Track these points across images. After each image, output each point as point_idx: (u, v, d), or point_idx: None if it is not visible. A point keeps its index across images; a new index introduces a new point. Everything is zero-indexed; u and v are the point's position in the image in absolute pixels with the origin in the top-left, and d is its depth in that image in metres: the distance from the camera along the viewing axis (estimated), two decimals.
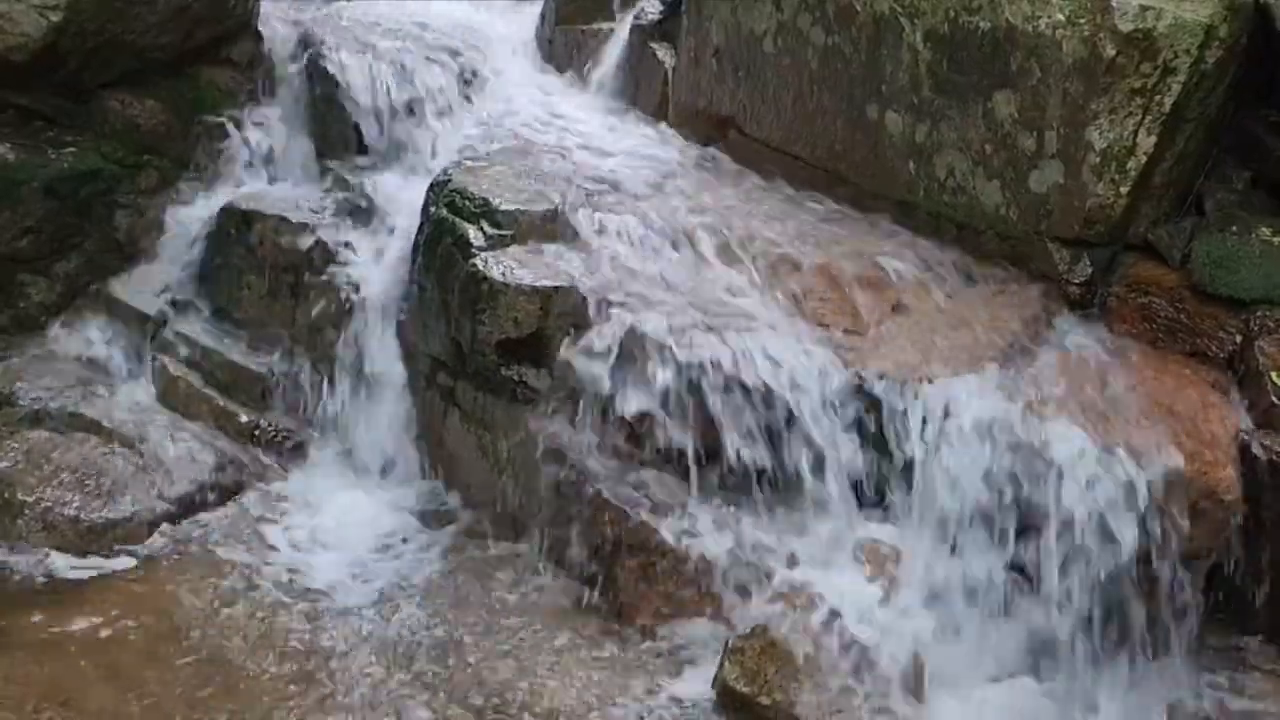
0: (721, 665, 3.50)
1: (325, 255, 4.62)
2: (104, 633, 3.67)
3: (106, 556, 3.99)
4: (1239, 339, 3.74)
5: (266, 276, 4.71)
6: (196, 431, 4.46)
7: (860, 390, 3.69)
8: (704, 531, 3.73)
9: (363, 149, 4.97)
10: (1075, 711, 3.48)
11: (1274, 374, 3.60)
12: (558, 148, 4.75)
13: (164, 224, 4.99)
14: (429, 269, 4.22)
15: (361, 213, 4.72)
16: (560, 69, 5.57)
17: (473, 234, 4.13)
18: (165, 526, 4.11)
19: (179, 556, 4.02)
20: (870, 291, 4.00)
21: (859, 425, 3.69)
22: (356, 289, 4.51)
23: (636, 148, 4.83)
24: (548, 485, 3.93)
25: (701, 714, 3.48)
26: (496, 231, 4.14)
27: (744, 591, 3.65)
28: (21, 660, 3.53)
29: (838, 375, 3.72)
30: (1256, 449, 3.51)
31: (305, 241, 4.66)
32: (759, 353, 3.76)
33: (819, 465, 3.70)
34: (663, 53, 5.13)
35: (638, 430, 3.85)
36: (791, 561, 3.66)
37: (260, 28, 5.28)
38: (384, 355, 4.44)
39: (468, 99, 5.16)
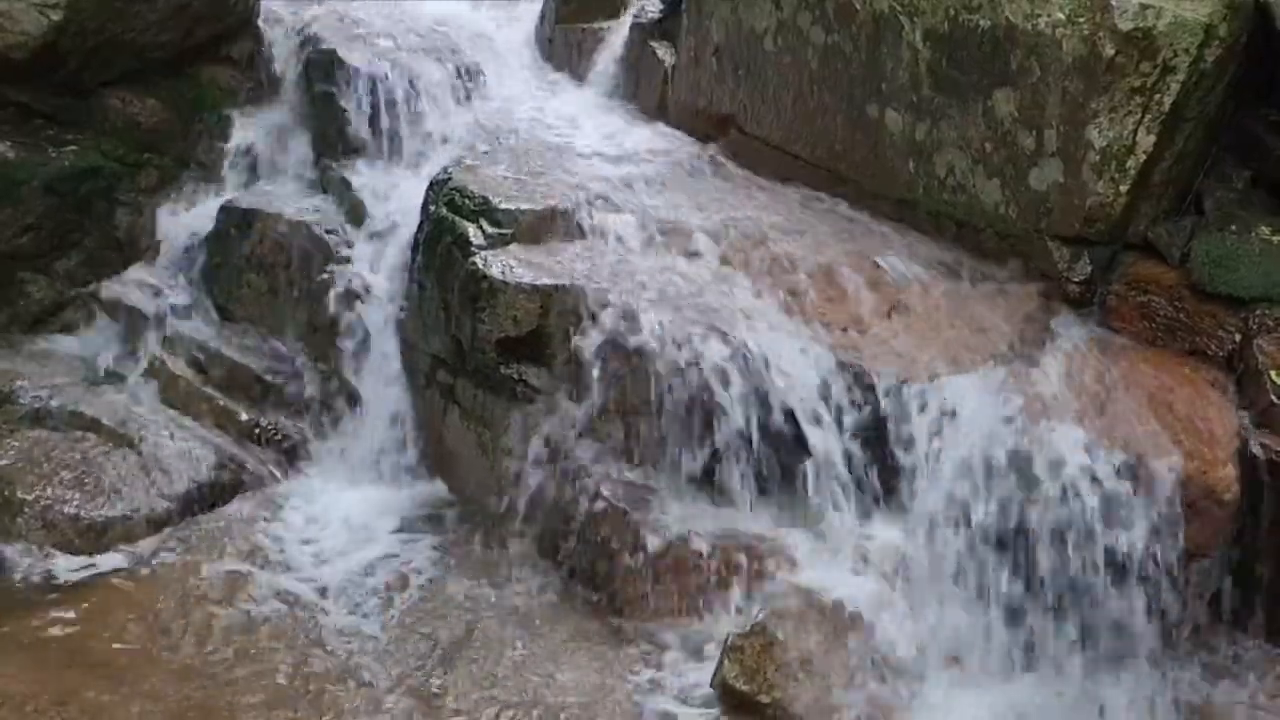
0: (721, 663, 3.50)
1: (325, 253, 4.62)
2: (103, 631, 3.67)
3: (105, 555, 3.99)
4: (1238, 338, 3.74)
5: (266, 275, 4.72)
6: (196, 430, 4.46)
7: (860, 389, 3.69)
8: (703, 530, 3.74)
9: (362, 147, 4.96)
10: (1075, 710, 3.48)
11: (1273, 373, 3.60)
12: (557, 146, 4.75)
13: (164, 222, 4.99)
14: (429, 267, 4.22)
15: (361, 211, 4.72)
16: (560, 67, 5.57)
17: (472, 232, 4.13)
18: (164, 525, 4.11)
19: (178, 555, 4.01)
20: (870, 290, 4.00)
21: (858, 424, 3.69)
22: (356, 287, 4.51)
23: (636, 146, 4.83)
24: (547, 484, 3.93)
25: (701, 712, 3.48)
26: (496, 230, 4.15)
27: (744, 590, 3.65)
28: (19, 659, 3.53)
29: (837, 373, 3.72)
30: (1255, 448, 3.51)
31: (305, 240, 4.67)
32: (758, 351, 3.76)
33: (819, 464, 3.70)
34: (663, 51, 5.13)
35: (637, 428, 3.85)
36: (791, 560, 3.66)
37: (260, 26, 5.27)
38: (384, 353, 4.44)
39: (467, 97, 5.16)
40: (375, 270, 4.56)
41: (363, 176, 4.85)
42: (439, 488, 4.30)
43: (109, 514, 4.09)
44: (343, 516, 4.23)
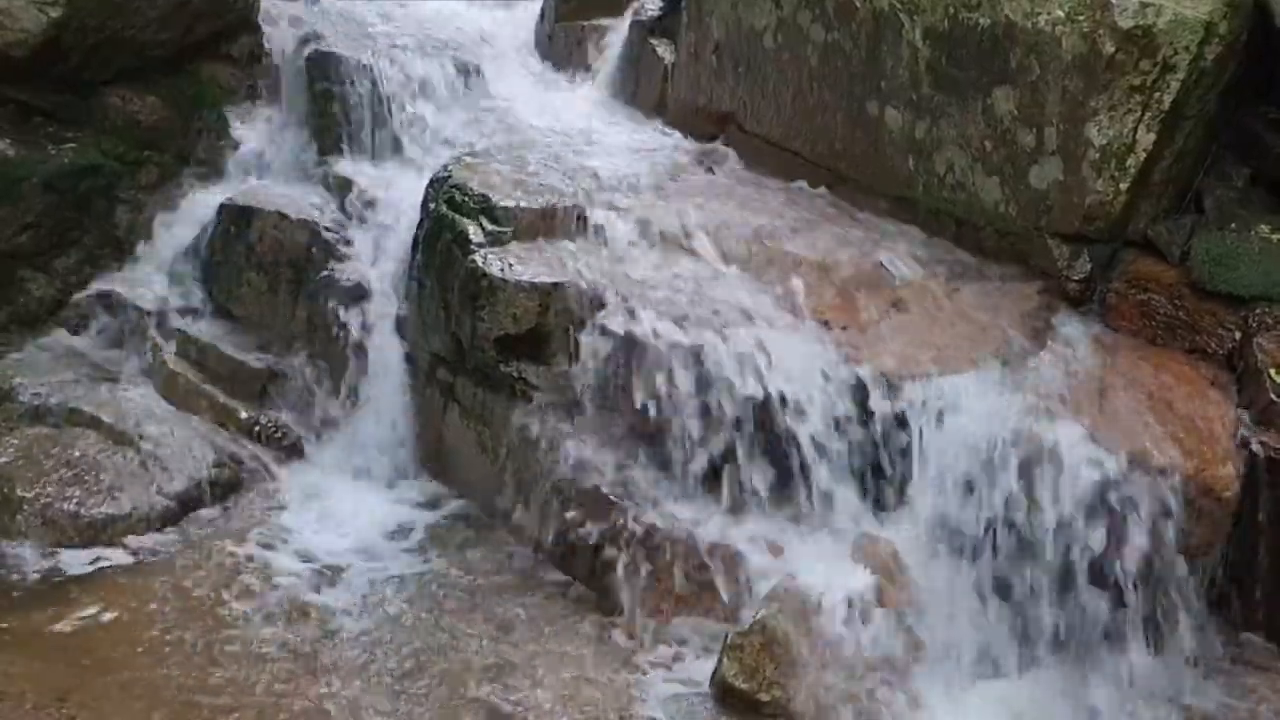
0: (720, 661, 3.50)
1: (325, 251, 4.62)
2: (102, 628, 3.67)
3: (105, 552, 3.99)
4: (1238, 336, 3.74)
5: (266, 273, 4.71)
6: (196, 427, 4.45)
7: (860, 387, 3.69)
8: (703, 528, 3.74)
9: (362, 145, 4.97)
10: (1074, 709, 3.48)
11: (1273, 371, 3.60)
12: (557, 144, 4.75)
13: (164, 220, 4.98)
14: (429, 265, 4.22)
15: (361, 209, 4.72)
16: (559, 65, 5.57)
17: (472, 230, 4.13)
18: (164, 523, 4.11)
19: (177, 552, 4.01)
20: (869, 288, 4.00)
21: (858, 422, 3.69)
22: (356, 285, 4.51)
23: (636, 144, 4.83)
24: (547, 481, 3.93)
25: (700, 710, 3.48)
26: (496, 228, 4.15)
27: (743, 588, 3.65)
28: (20, 656, 3.53)
29: (837, 372, 3.71)
30: (1255, 446, 3.52)
31: (304, 238, 4.66)
32: (758, 349, 3.76)
33: (818, 462, 3.70)
34: (662, 49, 5.13)
35: (637, 426, 3.85)
36: (790, 558, 3.66)
37: (260, 24, 5.27)
38: (383, 351, 4.44)
39: (467, 95, 5.16)
40: (375, 268, 4.56)
41: (363, 174, 4.85)
42: (438, 485, 4.31)
43: (108, 511, 4.09)
44: (342, 514, 4.23)
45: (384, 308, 4.46)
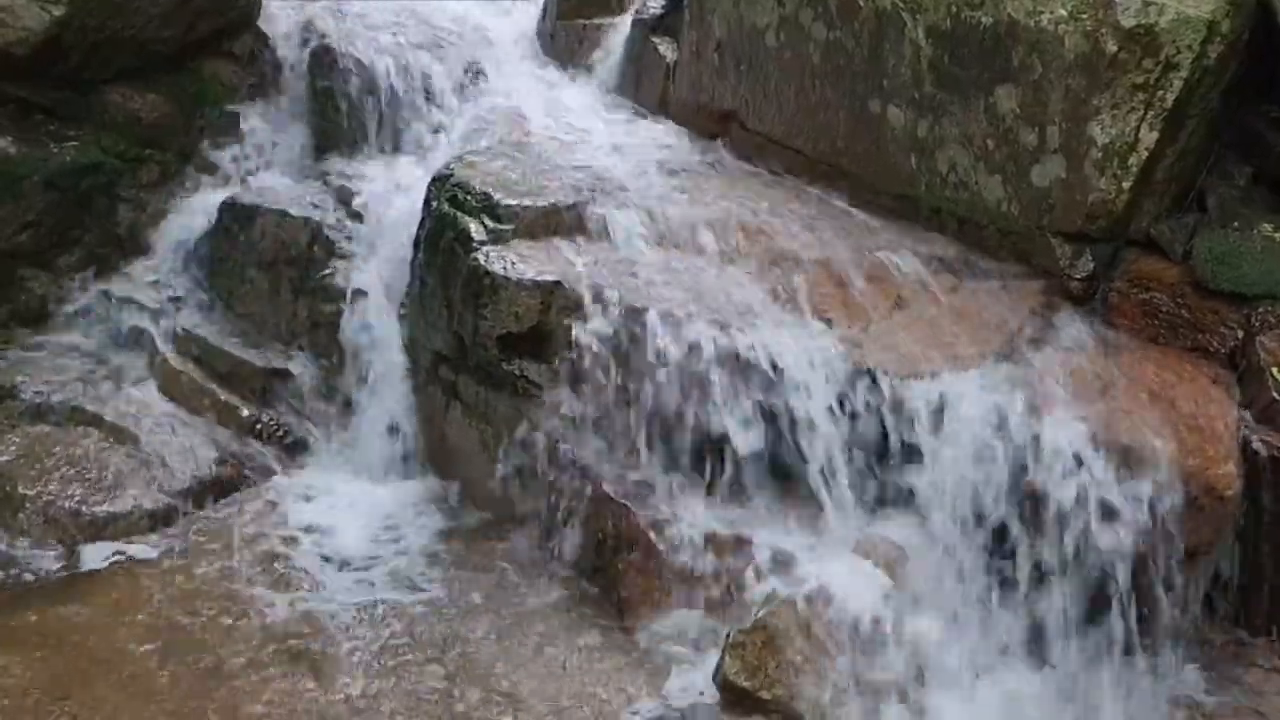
0: (722, 659, 3.50)
1: (326, 249, 4.63)
2: (104, 626, 3.67)
3: (107, 551, 3.99)
4: (1240, 334, 3.74)
5: (268, 271, 4.71)
6: (198, 426, 4.46)
7: (862, 385, 3.69)
8: (705, 526, 3.73)
9: (364, 142, 4.97)
10: (1076, 707, 3.48)
11: (1275, 370, 3.60)
12: (559, 142, 4.75)
13: (165, 218, 4.99)
14: (431, 263, 4.22)
15: (363, 207, 4.72)
16: (561, 63, 5.57)
17: (474, 228, 4.13)
18: (166, 521, 4.11)
19: (179, 550, 4.01)
20: (872, 286, 4.00)
21: (861, 420, 3.69)
22: (357, 283, 4.51)
23: (638, 142, 4.83)
24: (548, 480, 3.93)
25: (702, 708, 3.48)
26: (498, 226, 4.14)
27: (745, 586, 3.65)
28: (21, 653, 3.53)
29: (839, 370, 3.72)
30: (1257, 444, 3.52)
31: (306, 236, 4.67)
32: (760, 347, 3.76)
33: (821, 460, 3.70)
34: (664, 47, 5.13)
35: (639, 424, 3.85)
36: (793, 556, 3.66)
37: (261, 22, 5.27)
38: (385, 349, 4.44)
39: (469, 93, 5.16)
40: (376, 266, 4.56)
41: (365, 172, 4.86)
42: (440, 484, 4.30)
43: (110, 509, 4.09)
44: (344, 512, 4.23)
45: (386, 306, 4.46)
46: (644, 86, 5.19)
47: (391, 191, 4.72)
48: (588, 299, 3.92)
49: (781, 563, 3.64)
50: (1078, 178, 3.86)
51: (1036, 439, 3.51)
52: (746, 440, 3.74)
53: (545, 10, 5.76)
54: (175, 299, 4.81)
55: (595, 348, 3.87)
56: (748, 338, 3.78)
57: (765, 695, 3.43)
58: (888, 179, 4.30)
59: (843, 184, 4.44)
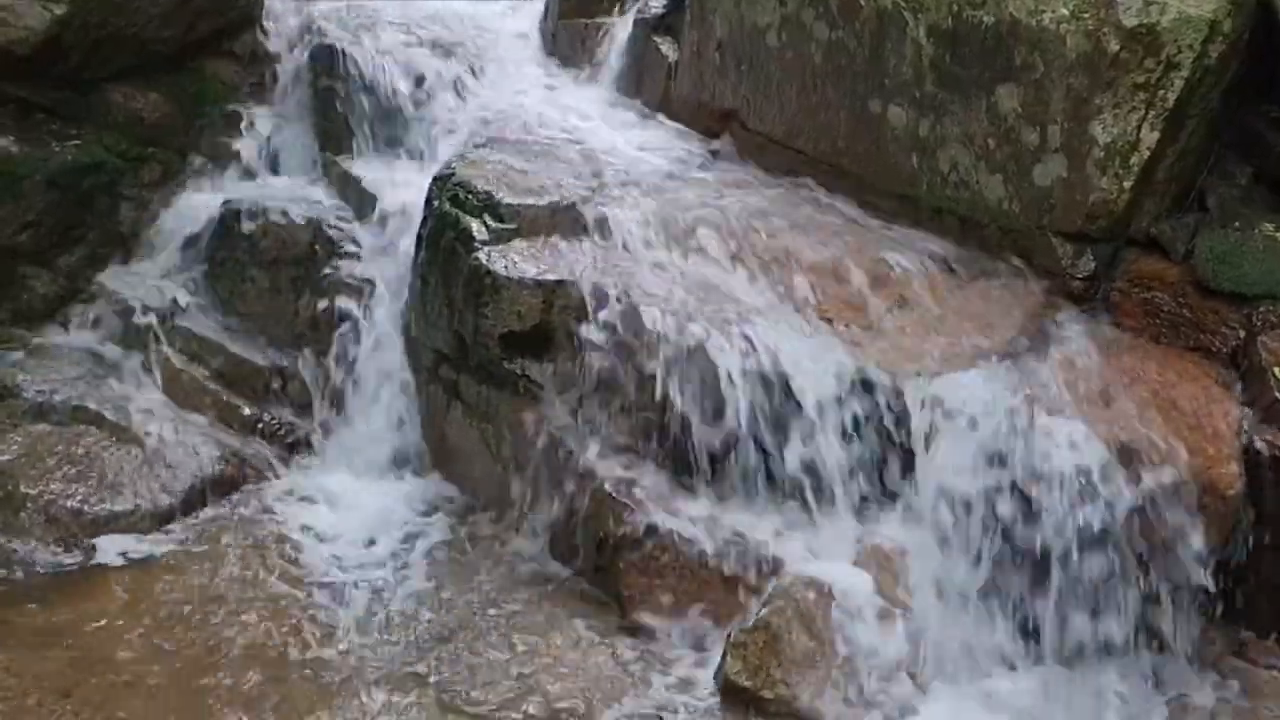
0: (724, 659, 3.50)
1: (328, 249, 4.63)
2: (105, 625, 3.67)
3: (108, 549, 3.99)
4: (1242, 334, 3.74)
5: (269, 270, 4.71)
6: (199, 425, 4.46)
7: (863, 384, 3.69)
8: (706, 525, 3.74)
9: (365, 142, 4.96)
10: (1076, 707, 3.48)
11: (1277, 369, 3.60)
12: (560, 141, 4.74)
13: (167, 217, 4.98)
14: (432, 262, 4.22)
15: (364, 206, 4.72)
16: (563, 62, 5.56)
17: (476, 228, 4.13)
18: (167, 520, 4.12)
19: (180, 550, 4.02)
20: (873, 286, 4.00)
21: (861, 419, 3.69)
22: (359, 282, 4.52)
23: (639, 141, 4.83)
24: (549, 479, 3.94)
25: (703, 708, 3.48)
26: (500, 225, 4.14)
27: (746, 586, 3.65)
28: (23, 653, 3.53)
29: (841, 369, 3.71)
30: (1260, 444, 3.52)
31: (307, 235, 4.67)
32: (761, 347, 3.76)
33: (822, 459, 3.70)
34: (666, 46, 5.13)
35: (640, 423, 3.85)
36: (793, 556, 3.66)
37: (263, 20, 5.27)
38: (386, 349, 4.44)
39: (471, 92, 5.15)
40: (378, 265, 4.56)
41: (366, 171, 4.85)
42: (442, 483, 4.30)
43: (112, 508, 4.09)
44: (345, 511, 4.24)
45: (387, 305, 4.47)
46: (645, 86, 5.19)
47: (392, 191, 4.71)
48: (589, 298, 3.92)
49: (783, 562, 3.64)
50: (1079, 177, 3.86)
51: (1037, 438, 3.50)
52: (747, 439, 3.74)
53: (547, 9, 5.75)
54: (177, 298, 4.80)
55: (596, 347, 3.87)
56: (749, 337, 3.78)
57: (767, 695, 3.43)
58: (889, 178, 4.30)
59: (844, 183, 4.43)
